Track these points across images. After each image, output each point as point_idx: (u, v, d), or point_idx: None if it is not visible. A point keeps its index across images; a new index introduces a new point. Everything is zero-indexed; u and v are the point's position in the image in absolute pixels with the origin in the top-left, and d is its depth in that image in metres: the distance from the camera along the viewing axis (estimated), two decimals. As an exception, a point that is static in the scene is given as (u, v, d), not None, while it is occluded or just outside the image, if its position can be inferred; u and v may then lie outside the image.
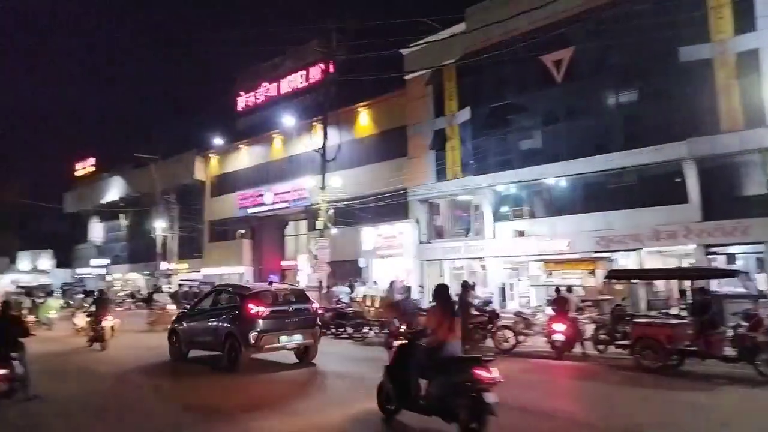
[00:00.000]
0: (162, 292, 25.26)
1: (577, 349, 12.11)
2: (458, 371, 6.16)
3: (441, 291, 7.00)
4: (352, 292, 21.43)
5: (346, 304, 18.02)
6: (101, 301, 16.08)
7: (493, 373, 5.99)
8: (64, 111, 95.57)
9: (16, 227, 55.05)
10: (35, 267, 55.65)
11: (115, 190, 49.90)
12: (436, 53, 22.42)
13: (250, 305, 10.90)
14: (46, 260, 56.68)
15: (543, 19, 17.91)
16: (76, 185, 56.83)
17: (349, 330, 15.98)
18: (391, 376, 6.84)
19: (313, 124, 22.54)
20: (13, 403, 8.09)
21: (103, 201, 50.70)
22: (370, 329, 15.87)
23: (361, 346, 14.68)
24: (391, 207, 25.28)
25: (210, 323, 11.76)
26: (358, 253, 26.46)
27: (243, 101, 35.99)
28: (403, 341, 7.05)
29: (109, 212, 50.52)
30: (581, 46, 19.36)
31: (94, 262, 52.25)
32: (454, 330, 6.59)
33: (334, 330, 16.36)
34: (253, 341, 10.58)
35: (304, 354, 11.51)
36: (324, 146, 21.48)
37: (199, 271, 38.46)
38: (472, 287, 13.95)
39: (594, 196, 19.78)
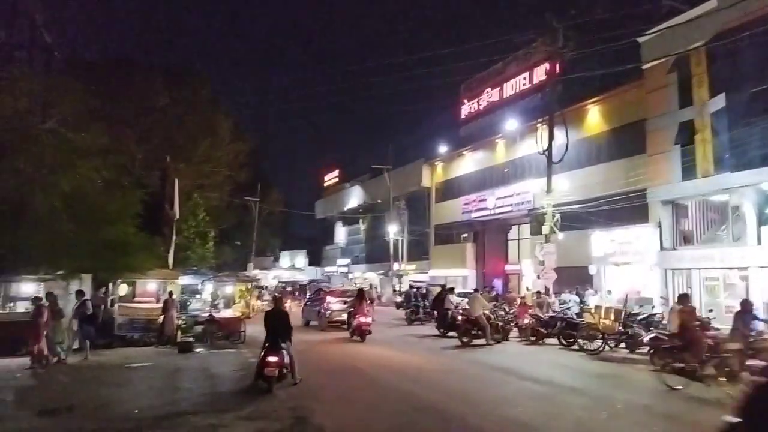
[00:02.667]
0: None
1: None
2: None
3: (359, 291, 18.95)
4: (581, 301, 20.28)
5: (569, 313, 17.11)
6: (282, 292, 27.66)
7: (368, 319, 17.43)
8: (317, 133, 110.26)
9: (280, 231, 65.15)
10: (293, 265, 65.11)
11: (354, 198, 55.56)
12: (680, 37, 19.88)
13: (328, 297, 22.14)
14: (301, 259, 65.96)
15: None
16: (324, 194, 64.92)
17: (581, 342, 15.11)
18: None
19: (538, 125, 21.88)
20: (283, 387, 9.47)
21: (346, 208, 57.04)
22: (605, 343, 14.78)
23: (595, 360, 13.76)
24: (626, 210, 23.11)
25: (314, 306, 22.81)
26: (587, 260, 24.83)
27: (466, 109, 36.77)
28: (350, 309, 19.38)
29: (350, 218, 56.75)
30: None
31: (338, 261, 59.09)
32: (362, 305, 17.44)
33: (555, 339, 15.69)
34: (327, 315, 21.13)
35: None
36: (549, 147, 20.74)
37: (426, 272, 40.48)
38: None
39: None
